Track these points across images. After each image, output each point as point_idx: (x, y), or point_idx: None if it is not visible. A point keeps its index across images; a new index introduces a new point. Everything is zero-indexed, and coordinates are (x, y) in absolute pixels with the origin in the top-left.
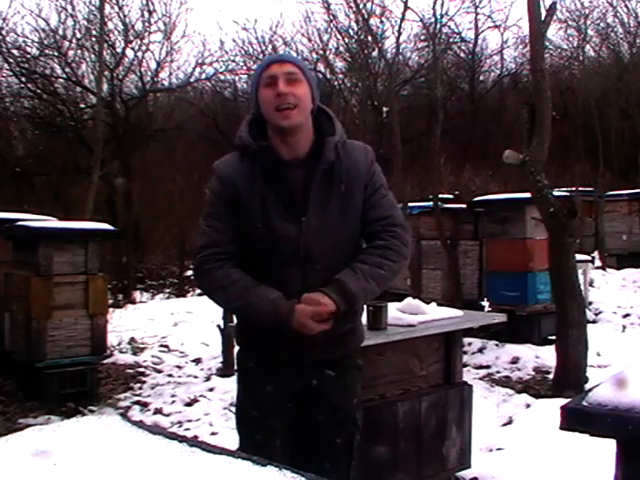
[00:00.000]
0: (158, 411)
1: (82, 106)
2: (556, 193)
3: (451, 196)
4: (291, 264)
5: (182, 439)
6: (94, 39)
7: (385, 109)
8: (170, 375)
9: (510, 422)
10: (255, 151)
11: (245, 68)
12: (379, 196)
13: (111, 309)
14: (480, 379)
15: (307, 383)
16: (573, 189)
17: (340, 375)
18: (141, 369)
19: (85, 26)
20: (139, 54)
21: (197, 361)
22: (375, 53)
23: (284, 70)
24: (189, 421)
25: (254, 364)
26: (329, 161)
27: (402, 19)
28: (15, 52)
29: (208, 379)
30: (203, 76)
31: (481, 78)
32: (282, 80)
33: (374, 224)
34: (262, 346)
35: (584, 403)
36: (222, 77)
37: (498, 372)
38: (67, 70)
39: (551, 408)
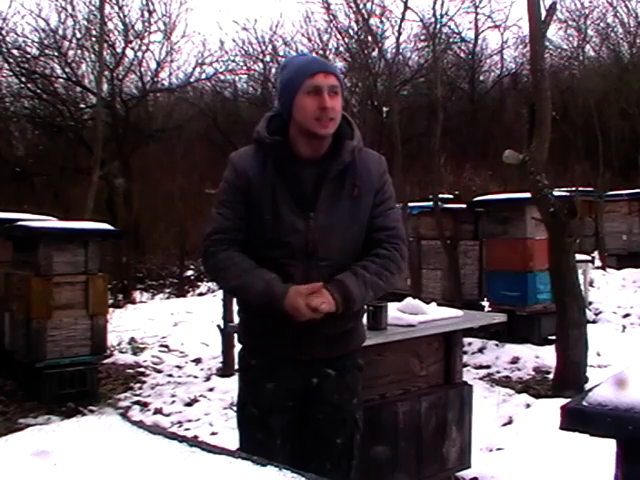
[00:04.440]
0: (158, 411)
1: (82, 106)
2: (556, 193)
3: (451, 196)
4: (296, 258)
5: (182, 439)
6: (94, 39)
7: (385, 109)
8: (170, 375)
9: (510, 422)
10: (270, 145)
11: (245, 68)
12: (387, 207)
13: (111, 309)
14: (480, 379)
15: (307, 381)
16: (573, 189)
17: (340, 374)
18: (141, 369)
19: (85, 26)
20: (139, 54)
21: (197, 361)
22: (375, 53)
23: (329, 83)
24: (189, 421)
25: (255, 362)
26: (344, 163)
27: (402, 19)
28: (15, 52)
29: (208, 379)
30: (203, 76)
31: (481, 78)
32: (326, 93)
33: (378, 232)
34: (264, 344)
35: (584, 403)
36: (222, 77)
37: (498, 372)
38: (67, 70)
39: (551, 408)
